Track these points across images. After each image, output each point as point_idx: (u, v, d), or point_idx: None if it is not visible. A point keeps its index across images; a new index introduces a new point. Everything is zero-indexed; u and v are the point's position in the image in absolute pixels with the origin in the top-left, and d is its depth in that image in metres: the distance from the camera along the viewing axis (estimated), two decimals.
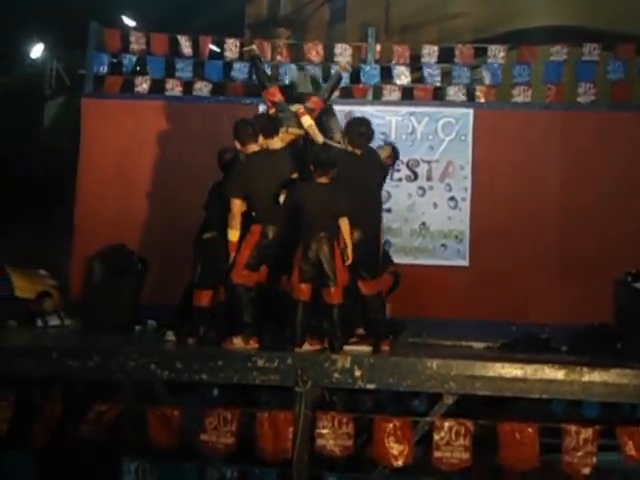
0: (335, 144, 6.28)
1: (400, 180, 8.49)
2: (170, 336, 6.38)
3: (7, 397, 5.49)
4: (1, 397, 5.50)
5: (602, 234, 7.94)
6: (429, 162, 8.52)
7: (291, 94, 6.81)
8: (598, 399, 5.31)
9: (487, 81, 8.68)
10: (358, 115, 6.98)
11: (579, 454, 5.06)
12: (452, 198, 8.44)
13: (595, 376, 5.06)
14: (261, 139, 6.05)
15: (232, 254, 5.88)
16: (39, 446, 5.43)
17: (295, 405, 5.17)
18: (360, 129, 6.10)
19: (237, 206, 5.89)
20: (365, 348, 5.88)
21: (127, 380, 5.46)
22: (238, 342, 5.74)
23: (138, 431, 5.44)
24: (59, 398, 5.62)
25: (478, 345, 7.38)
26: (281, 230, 5.86)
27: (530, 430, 5.11)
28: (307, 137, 6.39)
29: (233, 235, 5.91)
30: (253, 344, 5.72)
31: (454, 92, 8.65)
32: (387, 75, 8.82)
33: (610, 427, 5.17)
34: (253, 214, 5.96)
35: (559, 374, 5.10)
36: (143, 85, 8.85)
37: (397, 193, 8.45)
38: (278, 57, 9.01)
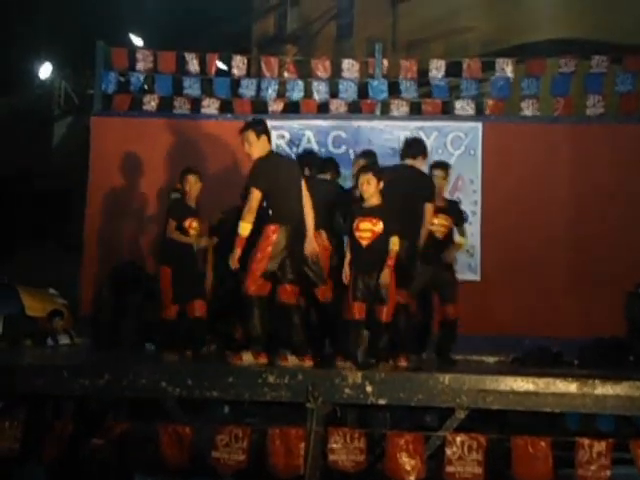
0: None
1: None
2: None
3: (18, 416, 5.50)
4: (12, 416, 5.51)
5: (612, 246, 7.91)
6: None
7: None
8: (611, 412, 5.25)
9: (495, 94, 8.70)
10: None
11: (593, 467, 5.01)
12: None
13: (607, 389, 5.03)
14: None
15: (238, 250, 5.60)
16: (49, 462, 5.43)
17: (306, 421, 5.15)
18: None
19: (256, 198, 5.63)
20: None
21: (138, 397, 5.46)
22: (247, 357, 5.64)
23: (150, 448, 5.43)
24: (70, 416, 5.63)
25: (489, 359, 7.35)
26: (296, 231, 5.72)
27: (543, 444, 5.07)
28: None
29: (244, 229, 5.61)
30: (262, 359, 5.64)
31: (462, 106, 8.67)
32: (395, 90, 8.84)
33: (624, 440, 5.13)
34: (270, 212, 5.76)
35: (571, 387, 5.06)
36: (151, 103, 8.91)
37: None
38: (285, 73, 9.06)
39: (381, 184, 5.83)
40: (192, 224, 6.42)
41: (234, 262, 5.64)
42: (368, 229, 5.75)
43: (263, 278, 5.66)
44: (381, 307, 5.73)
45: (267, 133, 5.89)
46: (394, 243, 5.73)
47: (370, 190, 5.80)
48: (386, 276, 5.66)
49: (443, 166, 6.79)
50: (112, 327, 7.28)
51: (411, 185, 6.13)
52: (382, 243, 5.73)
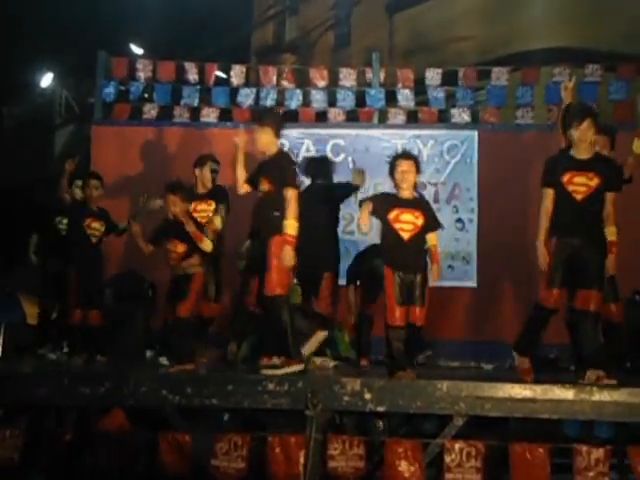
0: None
1: None
2: (164, 361, 6.53)
3: (19, 425, 5.53)
4: (13, 425, 5.53)
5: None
6: (435, 184, 8.56)
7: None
8: (608, 419, 5.28)
9: (491, 103, 8.77)
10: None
11: (591, 474, 5.03)
12: (459, 220, 8.48)
13: (605, 395, 5.05)
14: None
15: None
16: (49, 471, 5.46)
17: (306, 428, 5.19)
18: None
19: None
20: (329, 362, 5.89)
21: (138, 406, 5.49)
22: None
23: (149, 457, 5.46)
24: (71, 424, 5.66)
25: (487, 366, 7.38)
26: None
27: (541, 451, 5.10)
28: None
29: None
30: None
31: (458, 114, 8.73)
32: (392, 98, 8.91)
33: (622, 447, 5.17)
34: None
35: (569, 394, 5.09)
36: (151, 112, 8.99)
37: None
38: (284, 82, 9.13)
39: (420, 177, 5.67)
40: (91, 224, 7.04)
41: None
42: (411, 222, 5.51)
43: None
44: (416, 308, 5.56)
45: None
46: (433, 239, 5.57)
47: (410, 179, 5.56)
48: (436, 273, 5.51)
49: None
50: (113, 336, 7.31)
51: None
52: (421, 239, 5.55)
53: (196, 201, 6.79)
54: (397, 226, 5.52)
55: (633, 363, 6.64)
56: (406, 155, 5.69)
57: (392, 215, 5.53)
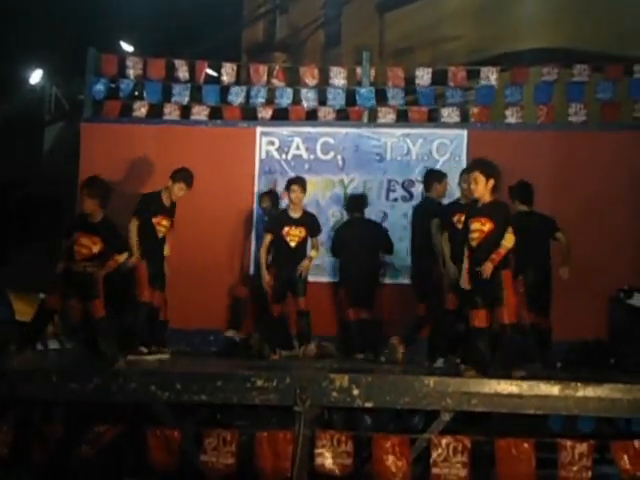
0: None
1: (396, 200, 8.61)
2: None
3: (8, 421, 5.54)
4: (2, 421, 5.54)
5: (594, 251, 8.00)
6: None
7: None
8: (592, 414, 5.37)
9: (480, 102, 8.82)
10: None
11: (575, 468, 5.12)
12: None
13: (589, 391, 5.13)
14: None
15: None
16: (38, 467, 5.47)
17: (294, 424, 5.22)
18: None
19: None
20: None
21: (127, 402, 5.51)
22: None
23: (139, 452, 5.48)
24: (60, 420, 5.68)
25: None
26: None
27: (526, 445, 5.17)
28: None
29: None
30: None
31: (448, 113, 8.77)
32: (382, 97, 8.95)
33: (605, 441, 5.24)
34: None
35: (554, 390, 5.17)
36: (141, 109, 8.97)
37: (393, 213, 8.56)
38: (274, 80, 9.15)
39: (491, 182, 5.71)
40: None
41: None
42: (477, 229, 5.72)
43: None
44: (499, 309, 5.63)
45: None
46: (507, 240, 5.60)
47: (479, 189, 5.72)
48: (486, 269, 5.53)
49: None
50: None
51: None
52: (493, 243, 5.61)
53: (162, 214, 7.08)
54: (469, 235, 5.81)
55: (617, 359, 6.73)
56: (467, 168, 6.00)
57: (469, 226, 5.84)
